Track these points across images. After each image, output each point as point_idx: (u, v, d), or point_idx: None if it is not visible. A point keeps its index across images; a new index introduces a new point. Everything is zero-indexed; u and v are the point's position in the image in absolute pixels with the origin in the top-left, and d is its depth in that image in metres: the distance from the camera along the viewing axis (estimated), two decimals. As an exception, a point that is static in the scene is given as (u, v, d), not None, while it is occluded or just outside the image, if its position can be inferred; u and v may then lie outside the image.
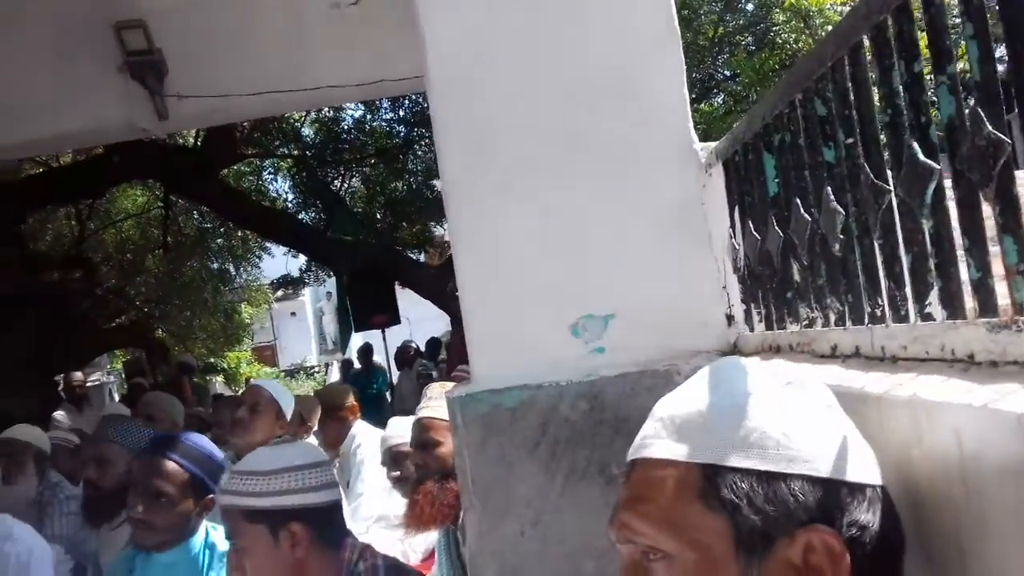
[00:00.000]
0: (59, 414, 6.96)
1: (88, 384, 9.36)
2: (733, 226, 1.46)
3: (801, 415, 0.78)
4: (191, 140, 9.84)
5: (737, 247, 1.45)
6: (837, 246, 1.04)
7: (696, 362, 1.47)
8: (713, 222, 1.54)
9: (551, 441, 1.50)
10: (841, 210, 1.01)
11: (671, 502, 0.78)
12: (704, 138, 1.61)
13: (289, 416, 3.13)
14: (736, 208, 1.44)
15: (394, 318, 9.83)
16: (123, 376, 14.22)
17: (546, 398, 1.49)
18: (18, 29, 4.22)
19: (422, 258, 12.85)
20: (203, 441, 2.34)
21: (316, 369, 23.12)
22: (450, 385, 2.37)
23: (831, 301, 1.10)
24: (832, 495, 0.75)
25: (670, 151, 1.54)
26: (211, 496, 2.22)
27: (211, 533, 2.25)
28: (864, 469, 0.78)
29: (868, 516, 0.75)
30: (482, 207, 1.55)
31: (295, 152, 11.45)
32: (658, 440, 0.82)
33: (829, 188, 1.04)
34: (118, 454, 2.75)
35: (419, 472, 2.35)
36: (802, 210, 1.12)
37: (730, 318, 1.55)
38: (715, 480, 0.76)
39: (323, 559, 1.73)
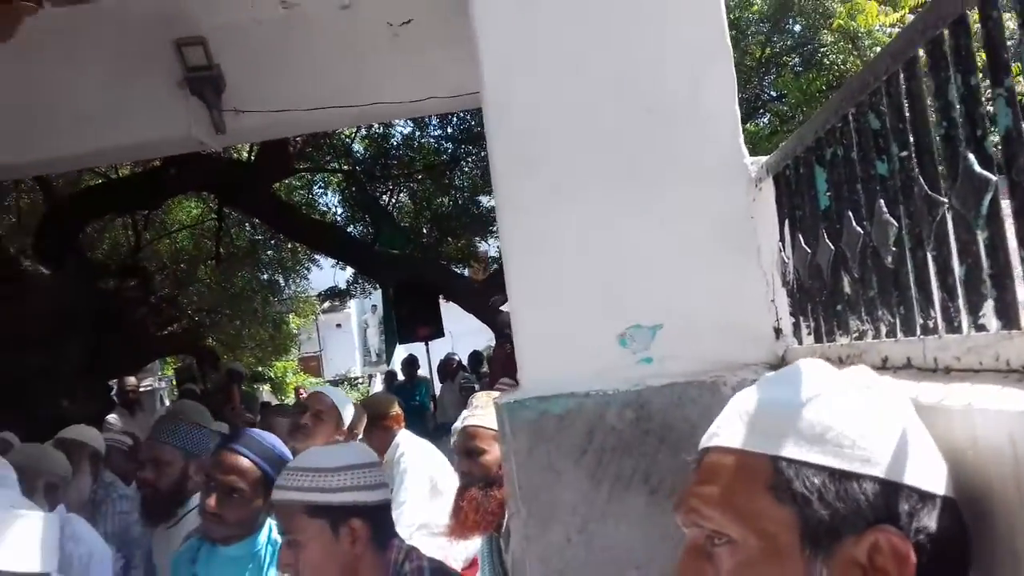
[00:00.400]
0: (112, 417, 7.14)
1: (141, 389, 9.57)
2: (783, 239, 1.47)
3: (879, 418, 0.80)
4: (245, 154, 10.06)
5: (786, 260, 1.46)
6: (889, 258, 1.04)
7: (743, 374, 1.48)
8: (762, 235, 1.55)
9: (597, 449, 1.51)
10: (894, 222, 1.02)
11: (740, 490, 0.79)
12: (751, 156, 1.62)
13: (348, 424, 3.18)
14: (786, 221, 1.45)
15: (438, 331, 9.92)
16: (173, 382, 14.54)
17: (593, 406, 1.50)
18: (82, 44, 4.37)
19: (466, 273, 12.96)
20: (275, 440, 2.38)
21: (360, 380, 23.35)
22: (496, 394, 2.40)
23: (882, 313, 1.10)
24: (903, 500, 0.76)
25: (720, 164, 1.55)
26: None
27: (274, 529, 2.28)
28: (936, 478, 0.78)
29: (936, 524, 0.76)
30: (533, 217, 1.58)
31: (345, 167, 11.66)
32: (732, 430, 0.84)
33: (882, 201, 1.04)
34: (172, 455, 2.81)
35: (464, 479, 2.38)
36: (854, 223, 1.13)
37: (778, 331, 1.55)
38: (787, 472, 0.77)
39: (374, 558, 1.77)
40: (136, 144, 4.84)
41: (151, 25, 4.37)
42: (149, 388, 12.95)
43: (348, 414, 3.21)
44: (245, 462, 2.23)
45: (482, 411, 2.41)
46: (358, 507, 1.77)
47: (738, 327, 1.55)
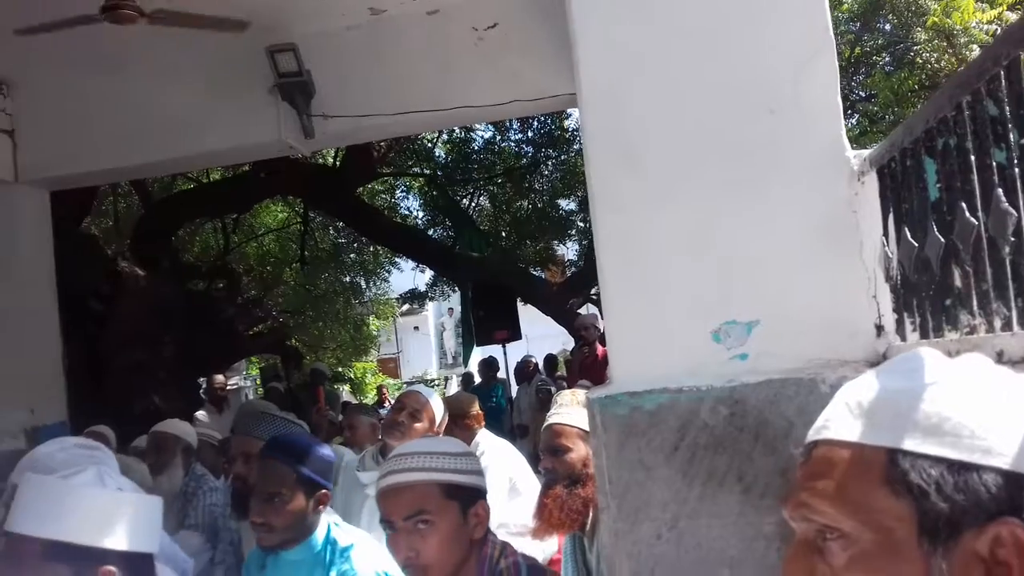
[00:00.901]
0: (201, 414, 7.40)
1: (228, 387, 9.87)
2: (886, 234, 1.43)
3: (998, 407, 0.77)
4: (330, 159, 10.31)
5: (890, 255, 1.42)
6: (1007, 249, 1.01)
7: (843, 372, 1.44)
8: (865, 230, 1.51)
9: (690, 446, 1.50)
10: (1013, 211, 0.98)
11: (852, 483, 0.78)
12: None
13: (438, 423, 3.22)
14: (891, 215, 1.41)
15: (515, 334, 9.94)
16: (257, 382, 14.99)
17: (686, 402, 1.49)
18: (179, 52, 4.54)
19: (543, 276, 13.00)
20: (309, 440, 2.41)
21: (436, 382, 23.63)
22: (581, 393, 2.40)
23: (997, 306, 1.07)
24: None
25: (821, 158, 1.52)
26: (324, 491, 2.27)
27: (333, 529, 2.30)
28: None
29: None
30: (629, 214, 1.58)
31: (427, 171, 11.84)
32: (842, 423, 0.82)
33: (1000, 190, 1.01)
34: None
35: (548, 476, 2.38)
36: (967, 214, 1.09)
37: (879, 327, 1.51)
38: (902, 465, 0.76)
39: (479, 547, 1.77)
40: (229, 149, 5.01)
41: (244, 33, 4.52)
42: (235, 387, 13.38)
43: (439, 413, 3.24)
44: (279, 467, 2.24)
45: (567, 409, 2.41)
46: (482, 492, 1.80)
47: (838, 323, 1.51)
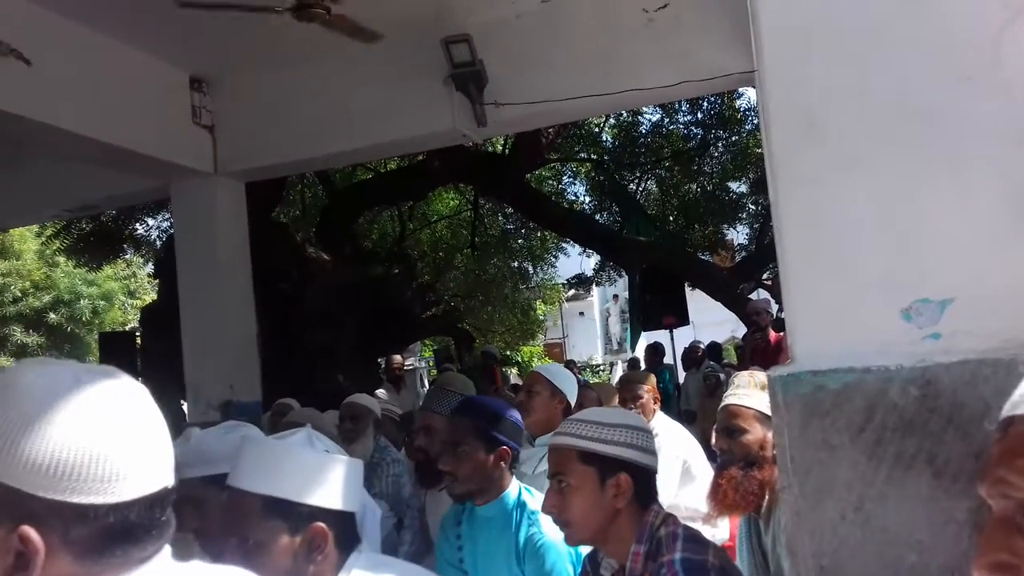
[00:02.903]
0: (381, 392, 7.83)
1: (405, 368, 10.36)
2: (1101, 206, 1.34)
3: None
4: (499, 146, 10.54)
5: (1105, 229, 1.32)
6: None
7: (1048, 353, 1.36)
8: (1074, 203, 1.41)
9: (877, 427, 1.46)
10: None
11: None
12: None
13: (572, 397, 3.27)
14: (1106, 186, 1.31)
15: (683, 319, 9.81)
16: (431, 363, 15.62)
17: (874, 382, 1.45)
18: (360, 47, 4.78)
19: (712, 261, 12.72)
20: (493, 402, 2.64)
21: (601, 368, 23.67)
22: (760, 375, 2.37)
23: None
24: None
25: (1022, 127, 1.43)
26: (504, 447, 2.43)
27: (523, 494, 2.44)
28: None
29: None
30: (814, 187, 1.54)
31: (594, 156, 11.86)
32: None
33: None
34: (443, 424, 3.04)
35: (723, 457, 2.37)
36: None
37: (1092, 307, 1.41)
38: None
39: (633, 515, 1.84)
40: (407, 139, 5.25)
41: (420, 26, 4.72)
42: (411, 367, 13.99)
43: (566, 386, 3.28)
44: (462, 420, 2.48)
45: (744, 391, 2.38)
46: (627, 463, 1.85)
47: (1042, 302, 1.42)
